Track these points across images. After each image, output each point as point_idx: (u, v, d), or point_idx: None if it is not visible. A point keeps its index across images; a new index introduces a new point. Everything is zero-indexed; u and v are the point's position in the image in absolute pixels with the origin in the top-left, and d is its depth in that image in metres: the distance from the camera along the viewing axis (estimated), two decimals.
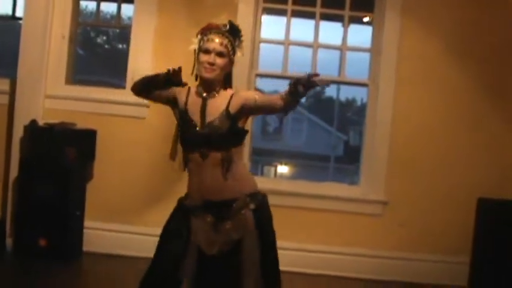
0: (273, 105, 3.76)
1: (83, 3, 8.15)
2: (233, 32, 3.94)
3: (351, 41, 7.40)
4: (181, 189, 7.00)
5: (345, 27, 7.38)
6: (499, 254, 6.39)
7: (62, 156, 6.63)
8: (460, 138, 7.11)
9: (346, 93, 28.84)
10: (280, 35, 7.41)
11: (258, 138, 16.31)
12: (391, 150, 7.13)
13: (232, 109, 3.80)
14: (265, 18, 7.48)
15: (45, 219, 6.55)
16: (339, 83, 7.60)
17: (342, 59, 7.37)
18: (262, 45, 7.38)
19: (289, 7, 7.30)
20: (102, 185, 7.05)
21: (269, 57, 8.01)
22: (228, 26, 3.94)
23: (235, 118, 3.80)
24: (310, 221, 7.08)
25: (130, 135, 7.13)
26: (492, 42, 7.10)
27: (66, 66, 7.26)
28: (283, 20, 7.38)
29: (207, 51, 3.83)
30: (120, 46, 22.32)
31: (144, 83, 3.96)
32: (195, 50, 3.97)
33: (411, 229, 7.11)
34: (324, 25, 7.47)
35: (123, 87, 7.27)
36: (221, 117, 3.78)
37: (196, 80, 3.97)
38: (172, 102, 3.96)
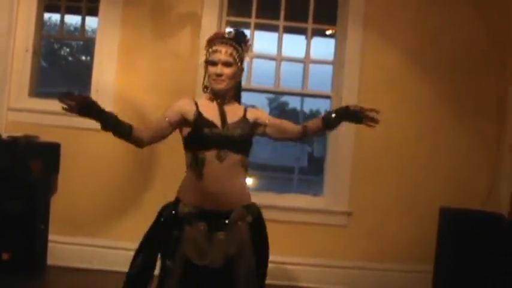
0: (286, 128, 3.91)
1: (46, 15, 8.11)
2: (238, 39, 3.92)
3: (314, 54, 7.45)
4: (145, 203, 7.07)
5: (308, 40, 7.44)
6: (460, 263, 6.46)
7: (26, 170, 6.58)
8: (422, 149, 7.19)
9: (310, 104, 28.92)
10: None
11: None
12: (355, 161, 7.19)
13: (250, 119, 3.86)
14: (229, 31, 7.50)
15: (9, 233, 6.48)
16: (302, 95, 7.63)
17: (305, 71, 7.42)
18: None
19: (253, 20, 7.35)
20: (66, 198, 7.01)
21: None
22: (232, 34, 3.92)
23: (251, 127, 3.84)
24: (274, 232, 7.01)
25: (94, 148, 7.10)
26: (453, 52, 7.21)
27: (30, 79, 7.22)
28: (246, 33, 7.40)
29: (213, 63, 3.81)
30: (84, 58, 22.20)
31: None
32: (205, 63, 3.92)
33: (376, 239, 7.16)
34: (287, 38, 7.53)
35: None
36: (241, 122, 3.80)
37: (204, 91, 3.97)
38: (183, 123, 3.86)
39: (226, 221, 3.72)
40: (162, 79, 7.13)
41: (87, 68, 7.68)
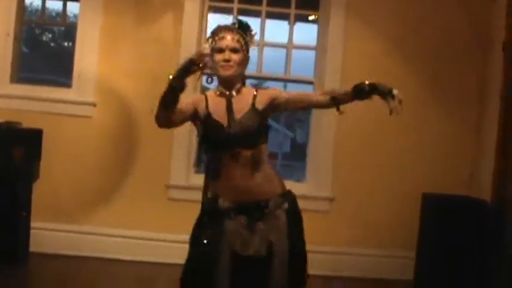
0: (311, 99, 3.91)
1: (27, 1, 8.05)
2: (243, 28, 3.86)
3: (297, 39, 7.45)
4: (128, 188, 7.07)
5: (291, 25, 7.43)
6: (443, 248, 6.50)
7: (8, 156, 6.56)
8: (405, 135, 7.22)
9: (292, 90, 28.93)
10: None
11: None
12: (337, 147, 7.21)
13: (259, 105, 3.77)
14: (212, 17, 7.49)
15: None
16: (285, 80, 7.63)
17: (287, 56, 7.42)
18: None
19: (235, 5, 7.34)
20: (49, 185, 6.99)
21: None
22: (236, 24, 3.86)
23: (262, 114, 3.76)
24: None
25: (76, 135, 7.09)
26: (435, 41, 7.23)
27: (11, 65, 7.18)
28: (229, 18, 7.40)
29: (220, 50, 3.72)
30: (66, 44, 22.09)
31: (161, 104, 3.56)
32: (211, 53, 3.76)
33: (358, 224, 7.20)
34: (270, 23, 7.52)
35: (69, 86, 7.23)
36: (249, 113, 3.72)
37: (208, 82, 3.92)
38: (195, 115, 3.76)
39: (265, 211, 3.72)
40: (145, 65, 7.10)
41: (69, 53, 7.66)
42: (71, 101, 7.06)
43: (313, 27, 7.58)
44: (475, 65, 7.26)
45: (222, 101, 3.74)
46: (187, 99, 3.74)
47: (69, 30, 15.96)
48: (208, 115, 3.69)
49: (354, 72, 7.13)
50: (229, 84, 3.76)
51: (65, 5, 7.50)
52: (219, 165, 3.68)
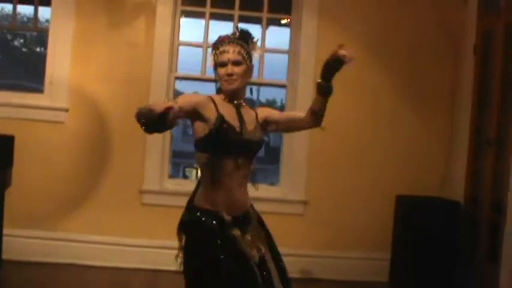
0: (295, 118, 3.97)
1: None
2: (244, 38, 3.85)
3: (270, 43, 7.46)
4: (101, 195, 7.03)
5: (264, 29, 7.43)
6: (417, 250, 6.54)
7: None
8: (378, 138, 7.25)
9: (266, 94, 29.00)
10: (199, 38, 7.42)
11: (178, 141, 16.25)
12: (311, 150, 7.22)
13: (260, 120, 3.82)
14: (184, 21, 7.48)
15: None
16: (258, 84, 7.62)
17: (260, 61, 7.41)
18: (181, 48, 7.38)
19: (208, 10, 7.32)
20: (21, 191, 6.91)
21: (188, 60, 8.01)
22: (237, 34, 3.86)
23: (263, 130, 3.82)
24: None
25: (49, 141, 7.04)
26: (408, 42, 7.28)
27: None
28: (202, 22, 7.39)
29: (223, 64, 3.71)
30: (38, 49, 21.93)
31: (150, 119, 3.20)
32: (214, 67, 3.80)
33: (333, 227, 7.20)
34: (243, 27, 7.49)
35: (41, 92, 7.18)
36: (257, 126, 3.76)
37: (217, 93, 3.83)
38: (194, 115, 3.64)
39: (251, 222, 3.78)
40: (117, 69, 7.08)
41: (41, 59, 7.60)
42: (43, 106, 7.01)
43: (286, 31, 7.59)
44: (448, 68, 7.31)
45: (231, 108, 3.72)
46: (188, 97, 3.71)
47: (41, 35, 15.87)
48: (223, 117, 3.60)
49: None
50: (235, 97, 3.76)
51: (36, 10, 7.44)
52: (221, 173, 3.62)
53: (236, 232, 3.63)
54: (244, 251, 3.60)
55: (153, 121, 3.08)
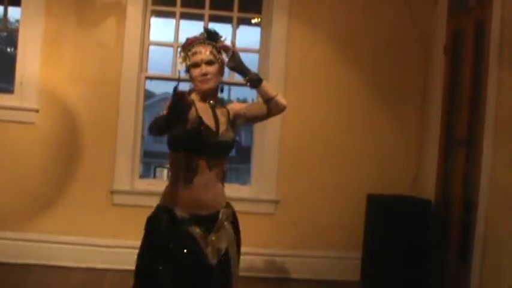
0: (258, 108, 3.98)
1: None
2: (212, 38, 3.88)
3: (241, 43, 7.45)
4: (70, 195, 6.99)
5: (234, 28, 7.43)
6: (388, 249, 6.57)
7: None
8: (348, 137, 7.27)
9: (237, 93, 28.98)
10: (170, 38, 7.41)
11: (149, 141, 16.21)
12: (281, 149, 7.22)
13: (231, 117, 3.86)
14: (154, 21, 7.45)
15: None
16: (229, 84, 7.61)
17: None
18: (151, 47, 7.35)
19: (178, 9, 7.30)
20: None
21: (158, 60, 7.99)
22: (205, 34, 3.89)
23: (234, 128, 3.86)
24: None
25: (19, 141, 6.99)
26: (378, 42, 7.30)
27: None
28: (172, 22, 7.38)
29: (196, 65, 3.75)
30: (8, 50, 21.76)
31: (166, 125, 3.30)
32: (187, 69, 3.83)
33: (304, 227, 7.21)
34: (214, 27, 7.47)
35: (11, 92, 7.12)
36: (228, 126, 3.80)
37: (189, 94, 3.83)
38: None
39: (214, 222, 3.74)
40: (88, 69, 7.04)
41: (11, 59, 7.54)
42: (13, 107, 6.95)
43: (256, 30, 7.60)
44: (418, 67, 7.35)
45: (206, 108, 3.77)
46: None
47: (11, 36, 15.73)
48: (201, 118, 3.65)
49: (297, 75, 7.18)
50: (209, 97, 3.81)
51: (6, 10, 7.38)
52: (191, 172, 3.63)
53: (194, 229, 3.63)
54: (196, 248, 3.61)
55: (172, 114, 3.14)
